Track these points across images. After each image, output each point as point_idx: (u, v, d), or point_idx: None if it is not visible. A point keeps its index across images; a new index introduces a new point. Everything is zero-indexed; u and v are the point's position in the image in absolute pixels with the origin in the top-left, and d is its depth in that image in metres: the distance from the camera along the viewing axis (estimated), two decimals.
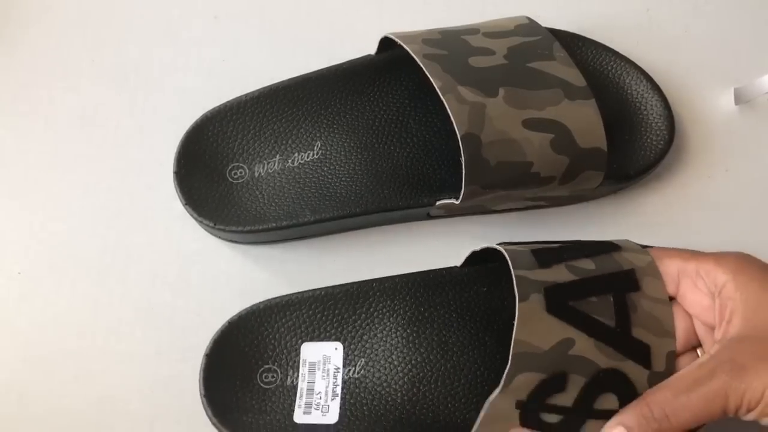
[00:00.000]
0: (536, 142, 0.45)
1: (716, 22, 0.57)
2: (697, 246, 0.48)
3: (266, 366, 0.46)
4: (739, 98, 0.55)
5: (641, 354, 0.41)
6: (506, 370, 0.40)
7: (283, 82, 0.51)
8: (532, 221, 0.52)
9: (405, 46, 0.47)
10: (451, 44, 0.48)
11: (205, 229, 0.50)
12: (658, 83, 0.52)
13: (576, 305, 0.41)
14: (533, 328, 0.40)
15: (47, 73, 0.55)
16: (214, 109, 0.50)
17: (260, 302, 0.47)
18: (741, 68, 0.56)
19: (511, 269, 0.41)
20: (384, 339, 0.47)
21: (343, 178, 0.50)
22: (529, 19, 0.51)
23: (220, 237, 0.51)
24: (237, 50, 0.56)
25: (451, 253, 0.50)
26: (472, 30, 0.49)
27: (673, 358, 0.42)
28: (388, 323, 0.47)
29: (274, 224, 0.48)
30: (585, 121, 0.47)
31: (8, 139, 0.53)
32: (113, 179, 0.53)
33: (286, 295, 0.47)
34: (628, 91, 0.52)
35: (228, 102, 0.51)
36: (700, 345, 0.43)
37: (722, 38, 0.57)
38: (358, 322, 0.47)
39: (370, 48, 0.51)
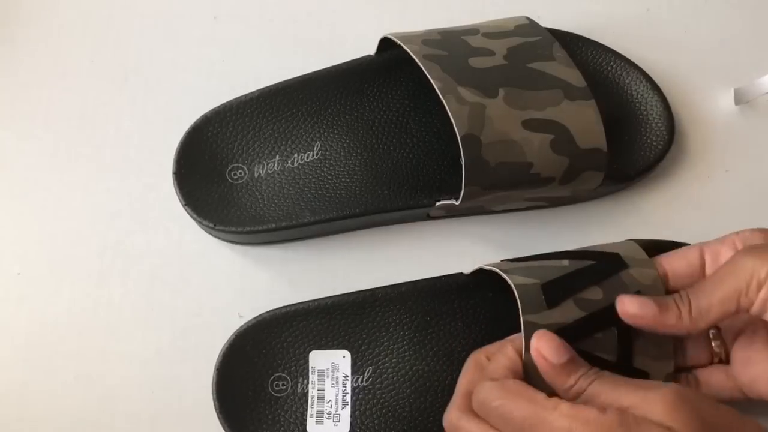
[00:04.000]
0: (536, 143, 0.45)
1: (716, 22, 0.57)
2: None
3: (276, 374, 0.46)
4: (739, 98, 0.55)
5: None
6: None
7: (282, 82, 0.51)
8: (532, 222, 0.52)
9: (404, 47, 0.47)
10: (451, 45, 0.48)
11: (205, 230, 0.50)
12: (658, 83, 0.52)
13: (580, 345, 0.41)
14: (537, 375, 0.40)
15: (47, 73, 0.55)
16: (213, 109, 0.50)
17: (266, 312, 0.47)
18: (741, 68, 0.56)
19: (521, 315, 0.41)
20: (391, 348, 0.47)
21: (342, 179, 0.50)
22: (528, 19, 0.51)
23: (219, 238, 0.51)
24: (236, 50, 0.56)
25: (451, 254, 0.50)
26: (472, 30, 0.49)
27: (671, 378, 0.43)
28: (395, 332, 0.47)
29: (273, 225, 0.48)
30: (585, 122, 0.47)
31: (8, 139, 0.53)
32: (113, 180, 0.53)
33: (293, 305, 0.47)
34: (628, 92, 0.52)
35: (227, 102, 0.51)
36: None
37: (722, 38, 0.57)
38: (365, 331, 0.47)
39: (370, 48, 0.51)
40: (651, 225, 0.53)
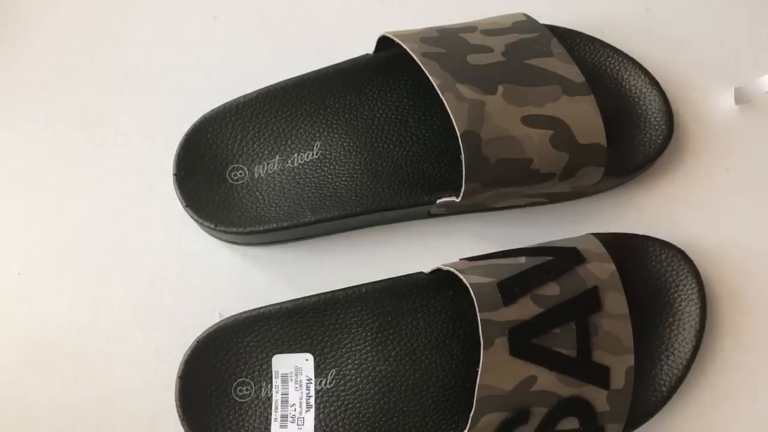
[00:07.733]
0: (536, 139, 0.45)
1: (716, 21, 0.57)
2: (695, 245, 0.48)
3: (240, 380, 0.46)
4: (740, 98, 0.54)
5: (601, 377, 0.43)
6: (471, 414, 0.41)
7: (281, 82, 0.51)
8: (532, 218, 0.52)
9: (403, 45, 0.47)
10: (449, 42, 0.48)
11: (206, 231, 0.50)
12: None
13: (539, 341, 0.42)
14: (497, 372, 0.41)
15: (47, 73, 0.55)
16: (213, 110, 0.50)
17: (228, 317, 0.47)
18: (741, 68, 0.56)
19: (477, 313, 0.42)
20: (353, 349, 0.47)
21: (343, 178, 0.50)
22: (526, 16, 0.51)
23: (220, 238, 0.51)
24: (236, 51, 0.56)
25: (452, 251, 0.50)
26: (470, 28, 0.49)
27: (631, 372, 0.44)
28: (357, 333, 0.47)
29: (274, 225, 0.48)
30: (584, 117, 0.47)
31: (8, 140, 0.53)
32: (113, 180, 0.53)
33: (255, 309, 0.47)
34: (627, 87, 0.52)
35: (227, 103, 0.51)
36: None
37: (722, 38, 0.57)
38: (327, 333, 0.47)
39: (369, 48, 0.51)
40: (651, 223, 0.52)
